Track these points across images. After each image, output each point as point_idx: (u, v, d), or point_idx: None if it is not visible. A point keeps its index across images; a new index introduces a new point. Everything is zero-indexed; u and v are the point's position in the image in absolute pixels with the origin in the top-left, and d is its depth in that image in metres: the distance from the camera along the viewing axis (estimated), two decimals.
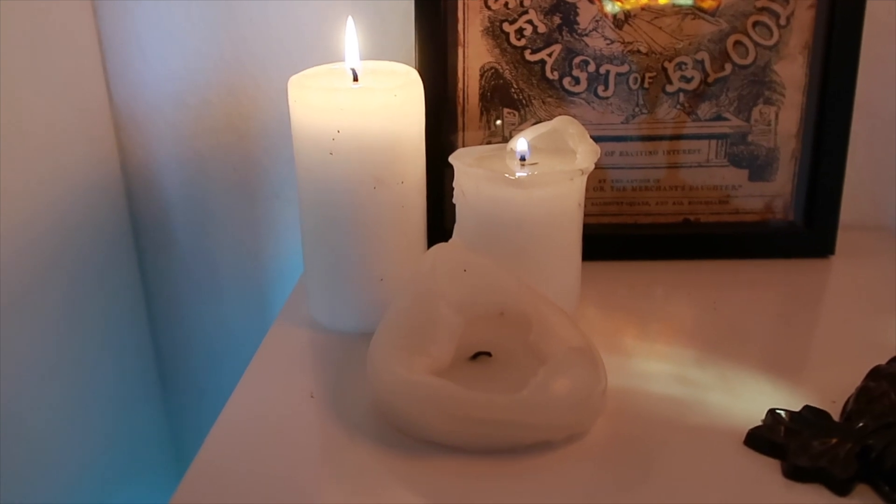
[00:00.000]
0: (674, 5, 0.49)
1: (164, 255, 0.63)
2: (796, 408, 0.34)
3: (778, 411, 0.34)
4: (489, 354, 0.36)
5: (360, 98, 0.38)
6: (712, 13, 0.50)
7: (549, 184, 0.40)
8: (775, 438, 0.32)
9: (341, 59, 0.43)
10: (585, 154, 0.42)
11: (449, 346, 0.35)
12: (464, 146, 0.52)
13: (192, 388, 0.67)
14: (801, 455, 0.31)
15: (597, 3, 0.49)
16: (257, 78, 0.57)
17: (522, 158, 0.43)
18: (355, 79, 0.41)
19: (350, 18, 0.42)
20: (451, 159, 0.43)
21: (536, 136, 0.44)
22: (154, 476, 0.64)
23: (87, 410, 0.56)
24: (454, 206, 0.44)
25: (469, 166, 0.41)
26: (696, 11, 0.50)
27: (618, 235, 0.53)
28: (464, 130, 0.52)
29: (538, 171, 0.41)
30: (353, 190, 0.40)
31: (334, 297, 0.43)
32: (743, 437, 0.33)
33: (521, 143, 0.43)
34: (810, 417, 0.33)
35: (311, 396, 0.37)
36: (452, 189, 0.43)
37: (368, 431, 0.34)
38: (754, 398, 0.36)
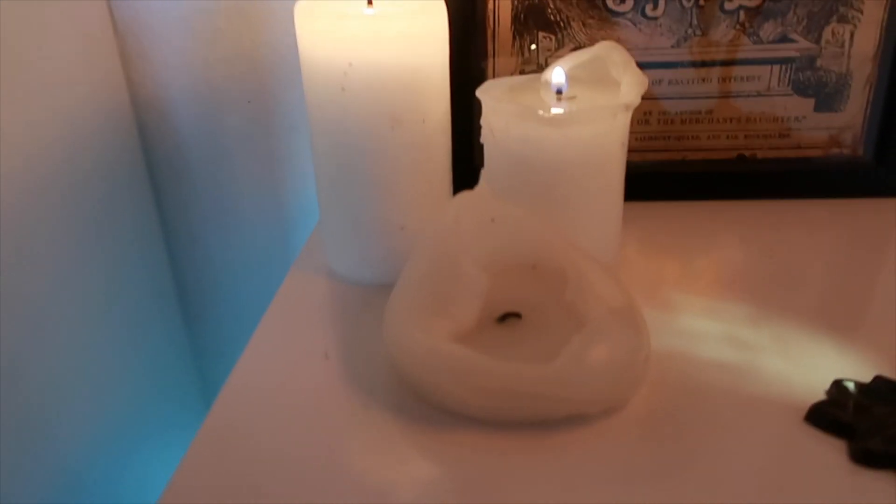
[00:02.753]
0: None
1: (181, 192, 0.60)
2: (866, 378, 0.31)
3: (845, 383, 0.30)
4: (519, 315, 0.33)
5: (374, 25, 0.34)
6: None
7: (589, 121, 0.35)
8: (842, 416, 0.28)
9: None
10: (631, 86, 0.37)
11: (473, 307, 0.31)
12: (494, 75, 0.47)
13: (213, 321, 0.65)
14: (872, 436, 0.27)
15: None
16: (270, 1, 0.52)
17: (559, 91, 0.38)
18: (370, 2, 0.37)
19: None
20: (478, 93, 0.39)
21: (575, 65, 0.39)
22: (180, 405, 0.64)
23: (107, 348, 0.55)
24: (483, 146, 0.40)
25: (498, 101, 0.37)
26: None
27: (664, 173, 0.48)
28: (494, 57, 0.47)
29: (576, 106, 0.37)
30: (369, 130, 0.36)
31: (352, 247, 0.40)
32: (803, 413, 0.30)
33: (557, 74, 0.38)
34: (883, 390, 0.29)
35: (326, 357, 0.34)
36: (480, 126, 0.39)
37: (386, 399, 0.32)
38: (816, 365, 0.32)
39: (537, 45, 0.46)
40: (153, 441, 0.59)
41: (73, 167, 0.50)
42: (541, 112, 0.35)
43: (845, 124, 0.47)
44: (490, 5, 0.46)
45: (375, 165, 0.36)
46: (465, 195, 0.33)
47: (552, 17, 0.46)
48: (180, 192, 0.60)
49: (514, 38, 0.46)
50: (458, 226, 0.32)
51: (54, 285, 0.48)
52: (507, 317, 0.33)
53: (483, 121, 0.38)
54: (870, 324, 0.36)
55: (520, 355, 0.30)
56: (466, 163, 0.45)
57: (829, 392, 0.30)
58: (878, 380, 0.30)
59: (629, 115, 0.37)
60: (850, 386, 0.30)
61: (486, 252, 0.33)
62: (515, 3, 0.46)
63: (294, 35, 0.53)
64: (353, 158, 0.36)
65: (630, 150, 0.40)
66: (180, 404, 0.64)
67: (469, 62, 0.46)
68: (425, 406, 0.31)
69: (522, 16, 0.46)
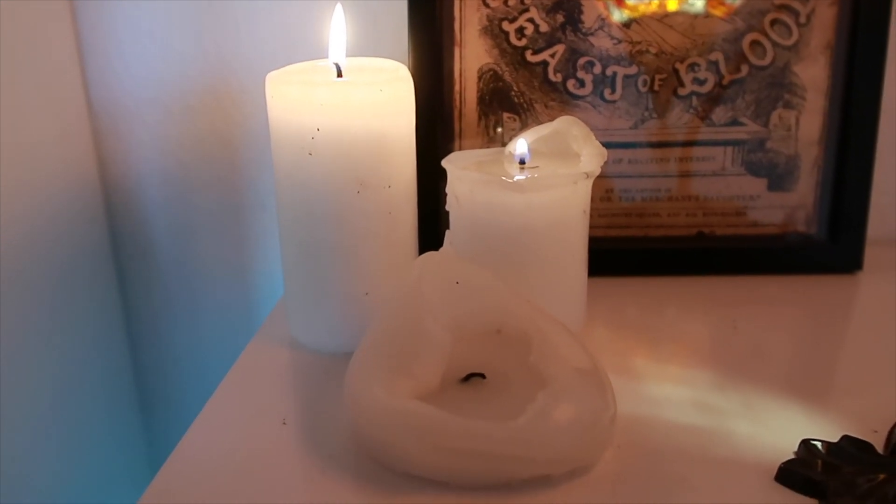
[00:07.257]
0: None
1: (145, 271, 0.59)
2: (833, 438, 0.30)
3: (813, 442, 0.30)
4: (483, 376, 0.32)
5: (341, 93, 0.35)
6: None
7: (551, 188, 0.36)
8: (812, 474, 0.28)
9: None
10: (591, 157, 0.38)
11: (436, 367, 0.31)
12: None
13: (171, 406, 0.63)
14: (843, 494, 0.27)
15: (601, 6, 0.46)
16: (243, 81, 0.54)
17: (522, 161, 0.39)
18: (339, 74, 0.38)
19: (339, 6, 0.38)
20: (443, 163, 0.40)
21: (537, 139, 0.40)
22: (130, 491, 0.60)
23: (62, 425, 0.52)
24: (449, 214, 0.40)
25: (463, 169, 0.38)
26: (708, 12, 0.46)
27: (627, 249, 0.49)
28: (461, 137, 0.49)
29: (539, 174, 0.38)
30: (335, 194, 0.36)
31: (315, 313, 0.39)
32: (774, 473, 0.29)
33: (520, 145, 0.39)
34: (851, 450, 0.29)
35: (284, 423, 0.33)
36: (446, 196, 0.40)
37: (345, 463, 0.30)
38: (784, 427, 0.32)
39: (502, 125, 0.48)
40: None
41: (35, 240, 0.50)
42: (504, 178, 0.36)
43: (798, 204, 0.49)
44: (457, 87, 0.48)
45: (340, 230, 0.37)
46: (429, 256, 0.34)
47: (516, 100, 0.48)
48: (144, 271, 0.59)
49: (479, 118, 0.48)
50: (422, 286, 0.32)
51: (7, 359, 0.46)
52: (471, 377, 0.32)
53: (448, 189, 0.39)
54: (834, 390, 0.36)
55: (483, 414, 0.29)
56: (432, 235, 0.46)
57: (797, 452, 0.30)
58: (845, 439, 0.30)
59: (590, 183, 0.38)
60: (818, 446, 0.30)
61: (450, 315, 0.33)
62: (480, 85, 0.48)
63: (265, 116, 0.55)
64: (319, 223, 0.37)
65: (593, 227, 0.41)
66: (133, 488, 0.61)
67: (436, 142, 0.47)
68: (384, 470, 0.30)
69: (487, 98, 0.48)
